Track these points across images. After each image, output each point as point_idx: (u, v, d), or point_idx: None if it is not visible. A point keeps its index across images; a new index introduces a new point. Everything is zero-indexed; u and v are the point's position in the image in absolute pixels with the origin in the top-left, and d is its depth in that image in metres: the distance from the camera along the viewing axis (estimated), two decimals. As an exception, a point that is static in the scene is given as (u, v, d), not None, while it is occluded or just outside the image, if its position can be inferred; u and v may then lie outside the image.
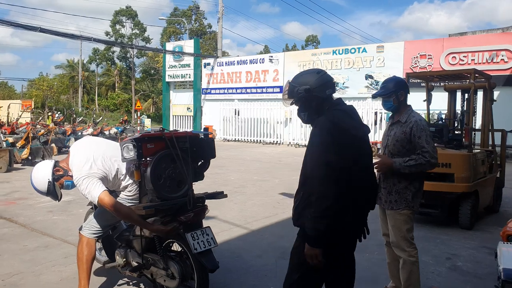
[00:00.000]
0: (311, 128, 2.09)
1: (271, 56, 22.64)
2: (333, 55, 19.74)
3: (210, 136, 3.02)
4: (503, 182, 6.13)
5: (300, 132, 19.53)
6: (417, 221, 5.01)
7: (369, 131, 2.15)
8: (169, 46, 27.55)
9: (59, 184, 2.82)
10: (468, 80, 5.41)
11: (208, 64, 24.93)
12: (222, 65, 24.23)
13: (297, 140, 19.46)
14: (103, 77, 49.64)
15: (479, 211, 5.31)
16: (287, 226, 5.29)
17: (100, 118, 18.88)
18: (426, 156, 2.73)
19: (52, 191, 2.78)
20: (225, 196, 3.00)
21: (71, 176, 2.74)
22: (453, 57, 16.01)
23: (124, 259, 3.03)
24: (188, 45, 26.04)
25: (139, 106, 25.93)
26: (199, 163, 2.98)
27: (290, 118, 19.95)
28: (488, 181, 5.39)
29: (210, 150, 2.97)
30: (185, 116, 25.42)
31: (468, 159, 4.71)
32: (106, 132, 14.91)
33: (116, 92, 47.27)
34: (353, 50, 19.23)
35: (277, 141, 20.03)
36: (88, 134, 14.35)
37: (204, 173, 3.05)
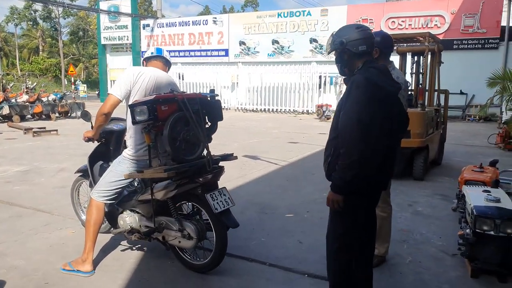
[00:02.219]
0: (347, 83, 2.12)
1: (215, 18, 22.04)
2: (278, 17, 19.72)
3: (216, 98, 2.97)
4: (445, 138, 6.89)
5: (247, 97, 19.65)
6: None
7: (399, 88, 2.17)
8: (103, 5, 25.46)
9: None
10: (421, 43, 5.87)
11: (148, 25, 23.63)
12: (163, 26, 23.13)
13: (244, 105, 19.59)
14: (23, 39, 44.77)
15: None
16: (258, 184, 5.56)
17: (35, 84, 17.30)
18: None
19: None
20: (235, 158, 2.98)
21: None
22: (392, 21, 16.90)
23: (130, 224, 3.00)
24: (125, 4, 24.28)
25: (72, 71, 23.96)
26: (207, 126, 2.92)
27: (237, 83, 19.91)
28: (435, 137, 6.04)
29: (218, 113, 2.94)
30: (124, 81, 24.12)
31: (423, 116, 5.24)
32: (44, 99, 13.78)
33: (41, 56, 43.07)
34: (298, 13, 19.36)
35: (224, 106, 19.95)
36: (22, 101, 13.19)
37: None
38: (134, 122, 2.57)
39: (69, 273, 2.85)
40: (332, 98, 17.69)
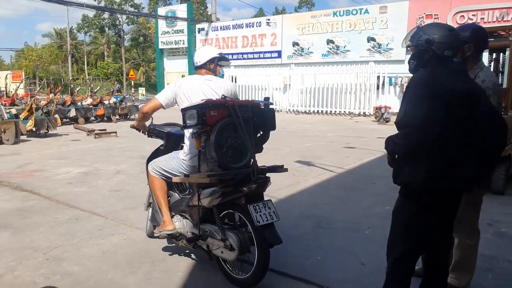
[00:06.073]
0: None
1: (268, 19, 21.95)
2: (333, 17, 19.18)
3: (270, 106, 2.84)
4: (528, 145, 6.08)
5: (299, 99, 19.29)
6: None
7: (471, 89, 1.98)
8: (161, 11, 26.57)
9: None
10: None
11: (203, 29, 24.14)
12: (217, 30, 23.50)
13: (296, 107, 19.27)
14: (90, 46, 48.16)
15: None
16: (313, 194, 5.24)
17: (98, 88, 18.33)
18: None
19: None
20: (286, 170, 2.81)
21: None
22: (461, 16, 15.63)
23: (178, 229, 2.98)
24: (181, 9, 25.10)
25: (132, 75, 25.16)
26: (258, 135, 2.81)
27: (289, 84, 19.63)
28: (518, 144, 5.32)
29: (271, 121, 2.80)
30: (180, 84, 24.85)
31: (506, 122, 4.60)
32: (106, 102, 14.48)
33: (106, 61, 45.98)
34: (354, 12, 18.67)
35: (275, 109, 19.64)
36: (87, 104, 13.95)
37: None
38: (185, 126, 2.59)
39: (160, 234, 2.99)
40: (391, 99, 16.78)
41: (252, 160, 2.64)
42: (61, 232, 3.76)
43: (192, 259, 3.22)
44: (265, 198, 2.71)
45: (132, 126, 3.33)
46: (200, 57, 2.97)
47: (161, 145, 3.35)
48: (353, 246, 3.46)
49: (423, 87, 1.93)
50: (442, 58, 2.00)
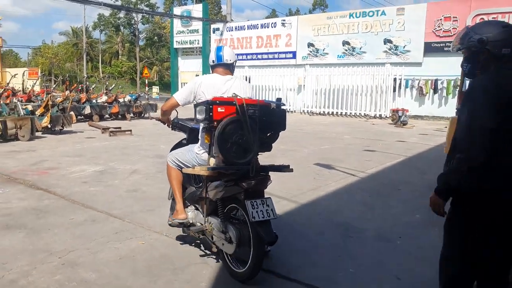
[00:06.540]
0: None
1: (284, 20, 21.76)
2: (350, 18, 18.89)
3: (282, 107, 2.87)
4: None
5: (313, 100, 19.04)
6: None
7: None
8: (177, 10, 26.55)
9: None
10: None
11: (217, 29, 24.04)
12: (232, 30, 23.36)
13: (310, 108, 19.03)
14: (105, 44, 48.59)
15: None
16: (337, 199, 5.02)
17: (113, 86, 18.30)
18: None
19: None
20: (291, 170, 2.85)
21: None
22: (481, 18, 15.18)
23: (190, 219, 3.14)
24: (197, 9, 25.06)
25: (146, 74, 25.17)
26: (268, 134, 2.85)
27: (304, 85, 19.39)
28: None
29: (281, 122, 2.83)
30: (194, 83, 24.76)
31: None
32: (121, 100, 14.43)
33: (120, 60, 46.32)
34: (371, 13, 18.35)
35: (289, 109, 19.43)
36: (102, 102, 13.91)
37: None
38: (196, 120, 2.74)
39: (173, 222, 3.12)
40: (408, 102, 16.42)
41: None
42: (76, 234, 3.61)
43: (216, 267, 3.03)
44: (266, 196, 2.75)
45: (157, 119, 3.45)
46: (231, 56, 3.10)
47: (184, 139, 3.42)
48: (386, 258, 3.24)
49: (485, 93, 1.77)
50: (500, 58, 1.84)
